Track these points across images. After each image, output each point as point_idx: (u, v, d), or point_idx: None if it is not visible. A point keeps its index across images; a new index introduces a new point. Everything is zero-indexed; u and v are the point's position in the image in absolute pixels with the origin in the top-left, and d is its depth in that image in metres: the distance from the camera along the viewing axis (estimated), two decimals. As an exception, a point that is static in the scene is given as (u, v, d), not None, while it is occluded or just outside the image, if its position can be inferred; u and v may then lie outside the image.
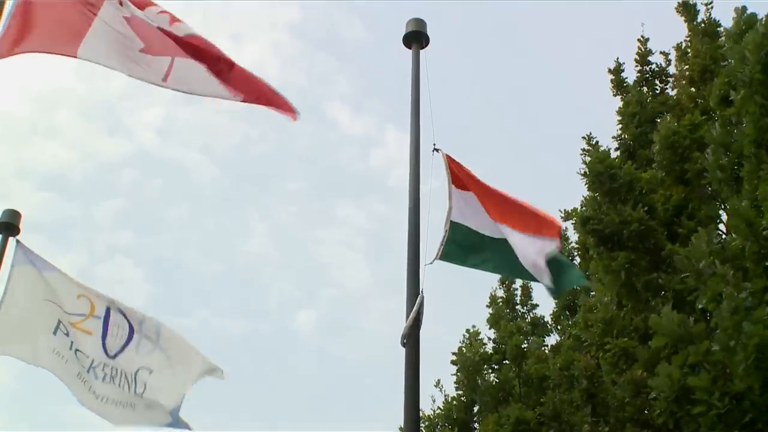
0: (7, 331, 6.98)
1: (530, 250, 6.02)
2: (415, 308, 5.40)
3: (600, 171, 10.54)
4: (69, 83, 41.74)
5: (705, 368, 7.19)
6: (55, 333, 7.05)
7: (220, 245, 40.54)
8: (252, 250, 40.53)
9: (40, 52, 5.55)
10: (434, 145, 6.36)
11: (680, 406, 7.25)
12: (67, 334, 7.07)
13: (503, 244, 6.18)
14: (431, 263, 5.78)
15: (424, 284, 5.57)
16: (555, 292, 6.23)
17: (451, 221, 6.17)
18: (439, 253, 6.00)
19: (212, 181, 41.82)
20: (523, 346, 13.03)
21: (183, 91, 5.75)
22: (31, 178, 39.18)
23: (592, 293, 12.01)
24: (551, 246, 6.07)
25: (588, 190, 10.96)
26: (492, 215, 6.25)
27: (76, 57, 5.53)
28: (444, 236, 6.10)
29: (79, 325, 7.17)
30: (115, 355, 7.10)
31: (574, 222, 12.20)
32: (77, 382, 6.99)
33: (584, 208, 10.87)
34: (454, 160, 6.40)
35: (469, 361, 12.81)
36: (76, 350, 7.05)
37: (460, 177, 6.37)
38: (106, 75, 45.72)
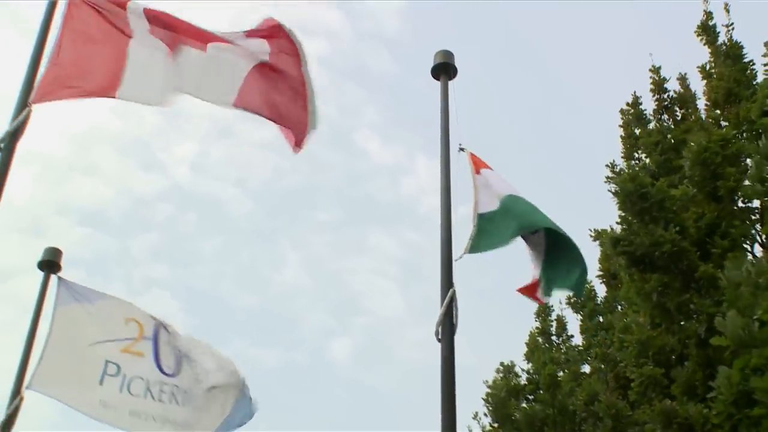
0: (52, 374, 6.98)
1: None
2: (446, 301, 5.45)
3: (631, 190, 10.32)
4: (105, 121, 42.70)
5: (768, 371, 7.00)
6: (101, 382, 7.04)
7: (255, 276, 40.93)
8: (286, 280, 40.81)
9: (78, 98, 5.54)
10: (460, 144, 6.49)
11: (739, 408, 7.10)
12: (117, 373, 7.07)
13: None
14: (460, 258, 5.81)
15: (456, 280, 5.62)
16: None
17: (478, 214, 6.17)
18: (468, 248, 5.96)
19: (246, 214, 42.38)
20: (558, 374, 12.89)
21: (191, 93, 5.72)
22: (71, 215, 40.03)
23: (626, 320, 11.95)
24: None
25: (619, 209, 10.73)
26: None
27: (115, 98, 5.55)
28: (473, 231, 6.06)
29: (131, 348, 7.22)
30: (174, 374, 7.14)
31: (601, 243, 12.13)
32: (132, 419, 6.97)
33: (620, 225, 10.66)
34: (478, 159, 6.51)
35: (504, 393, 12.71)
36: (130, 381, 7.05)
37: (480, 164, 6.48)
38: (140, 112, 46.54)
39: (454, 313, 5.47)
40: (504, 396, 12.75)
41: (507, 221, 6.26)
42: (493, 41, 46.29)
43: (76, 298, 7.26)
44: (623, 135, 12.83)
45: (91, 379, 7.01)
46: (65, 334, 7.09)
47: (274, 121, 5.73)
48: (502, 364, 13.98)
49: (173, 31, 5.75)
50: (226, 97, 5.72)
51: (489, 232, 6.12)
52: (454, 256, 5.76)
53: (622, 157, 12.55)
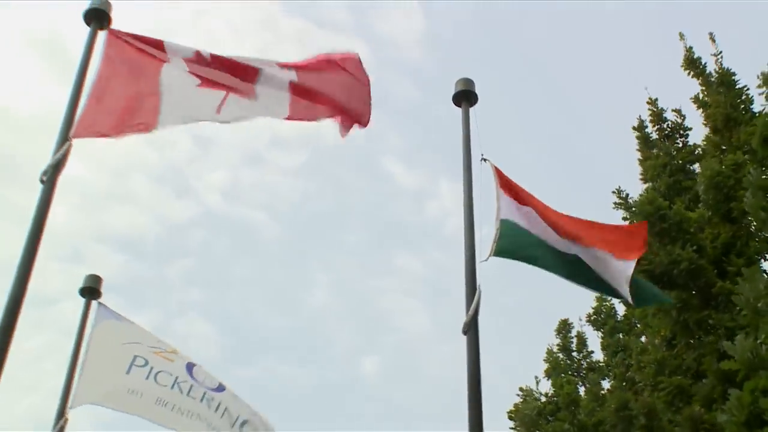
0: (88, 383, 7.06)
1: (611, 268, 6.05)
2: (475, 301, 5.57)
3: (650, 212, 10.42)
4: (140, 150, 43.38)
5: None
6: (128, 372, 7.12)
7: (286, 298, 41.23)
8: (316, 301, 41.04)
9: (117, 135, 5.59)
10: (482, 155, 6.43)
11: (751, 429, 7.11)
12: (144, 364, 7.12)
13: (568, 256, 6.17)
14: (486, 260, 5.86)
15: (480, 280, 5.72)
16: (638, 300, 6.22)
17: (501, 219, 6.15)
18: (493, 250, 5.98)
19: (276, 238, 42.73)
20: (579, 393, 12.94)
21: (237, 120, 5.84)
22: (109, 242, 40.24)
23: (642, 339, 11.99)
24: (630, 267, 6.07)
25: None
26: (559, 232, 6.20)
27: (156, 130, 5.64)
28: (496, 234, 6.06)
29: (162, 353, 7.27)
30: (218, 389, 7.18)
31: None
32: (158, 408, 6.99)
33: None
34: (503, 174, 6.43)
35: (527, 417, 12.78)
36: (157, 373, 7.08)
37: (511, 187, 6.39)
38: (173, 141, 47.11)
39: (478, 310, 5.61)
40: (534, 416, 12.87)
41: (527, 241, 6.23)
42: (511, 67, 46.63)
43: (114, 317, 7.39)
44: (641, 158, 12.88)
45: (119, 371, 7.08)
46: (100, 345, 7.17)
47: (332, 116, 5.93)
48: (521, 389, 14.10)
49: (219, 73, 5.83)
50: (280, 112, 5.86)
51: (512, 237, 6.13)
52: (478, 258, 5.83)
53: (640, 179, 12.62)
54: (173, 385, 7.08)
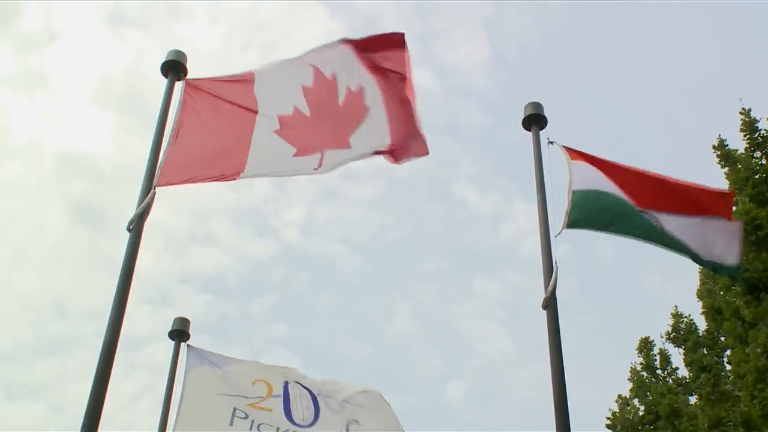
0: (187, 428, 6.94)
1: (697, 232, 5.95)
2: (553, 277, 5.55)
3: (745, 222, 9.97)
4: (219, 193, 44.34)
5: None
6: (231, 423, 6.98)
7: (368, 328, 40.97)
8: (398, 330, 40.69)
9: (200, 182, 5.59)
10: (548, 138, 6.32)
11: None
12: (245, 417, 6.98)
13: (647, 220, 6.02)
14: (559, 234, 5.78)
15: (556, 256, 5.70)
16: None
17: (573, 191, 6.00)
18: (565, 223, 5.83)
19: (355, 269, 42.58)
20: (675, 406, 12.49)
21: (334, 169, 5.73)
22: (193, 283, 40.94)
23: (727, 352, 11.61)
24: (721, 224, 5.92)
25: None
26: (638, 202, 6.04)
27: (239, 178, 5.56)
28: (568, 206, 5.92)
29: (258, 404, 7.12)
30: (312, 423, 7.01)
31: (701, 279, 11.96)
32: None
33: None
34: (574, 151, 6.28)
35: (628, 422, 12.43)
36: (259, 425, 6.95)
37: (580, 153, 6.24)
38: (250, 182, 47.74)
39: (556, 285, 5.59)
40: (636, 422, 12.54)
41: (601, 207, 6.09)
42: (580, 87, 45.97)
43: (204, 363, 7.30)
44: (727, 173, 12.55)
45: (222, 421, 6.96)
46: (196, 392, 7.09)
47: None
48: (619, 396, 13.78)
49: (311, 130, 5.77)
50: (382, 142, 5.73)
51: (584, 207, 5.98)
52: (552, 234, 5.78)
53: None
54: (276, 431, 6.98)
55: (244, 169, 5.55)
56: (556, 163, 6.35)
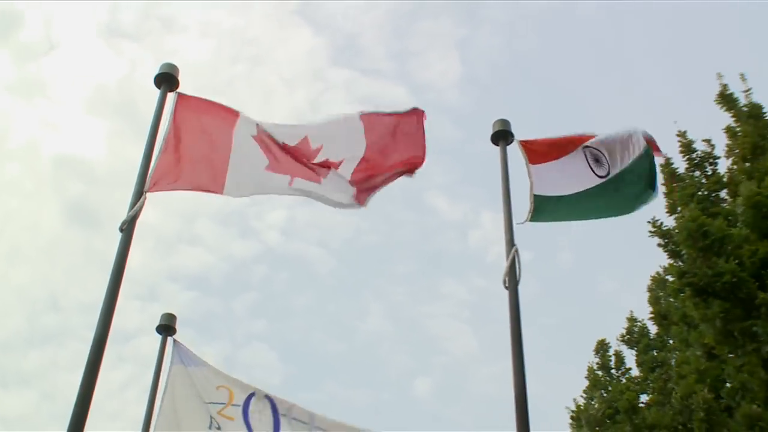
0: (167, 422, 7.16)
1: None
2: (510, 256, 5.86)
3: (693, 229, 10.42)
4: (204, 196, 44.51)
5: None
6: (210, 428, 7.18)
7: (342, 326, 41.63)
8: (370, 328, 41.55)
9: (187, 189, 5.81)
10: (512, 136, 6.69)
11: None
12: (219, 428, 7.18)
13: (588, 192, 6.57)
14: (522, 223, 6.27)
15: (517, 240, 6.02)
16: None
17: (534, 194, 6.40)
18: (528, 217, 6.31)
19: (331, 271, 43.15)
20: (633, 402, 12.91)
21: (304, 196, 5.95)
22: (180, 280, 41.32)
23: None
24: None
25: (683, 247, 10.94)
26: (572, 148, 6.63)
27: (222, 194, 5.82)
28: (530, 206, 6.35)
29: (222, 412, 7.31)
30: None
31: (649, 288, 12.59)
32: None
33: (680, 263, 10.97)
34: (530, 142, 6.67)
35: (592, 417, 12.80)
36: None
37: (538, 153, 6.63)
38: None
39: (517, 266, 5.86)
40: (600, 416, 13.03)
41: (561, 204, 6.55)
42: (544, 105, 46.92)
43: (184, 362, 7.50)
44: (665, 191, 12.99)
45: (201, 425, 7.16)
46: (177, 390, 7.29)
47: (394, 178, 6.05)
48: (585, 390, 14.40)
49: (286, 157, 5.93)
50: (347, 199, 5.95)
51: (544, 207, 6.42)
52: (515, 221, 6.19)
53: (666, 212, 12.67)
54: None
55: (223, 188, 5.79)
56: (522, 175, 6.70)
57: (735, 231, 10.47)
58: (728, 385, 9.78)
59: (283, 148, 5.98)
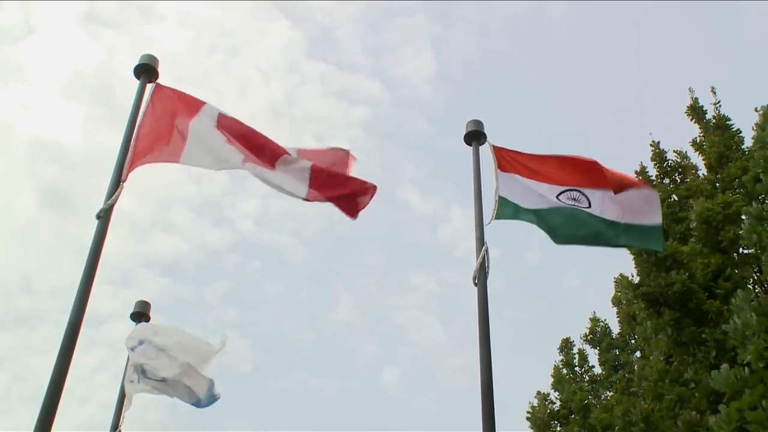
0: None
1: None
2: (481, 254, 5.83)
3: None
4: (179, 183, 44.35)
5: (761, 407, 7.11)
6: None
7: (313, 315, 41.50)
8: (340, 317, 41.32)
9: (154, 162, 5.86)
10: (486, 139, 6.63)
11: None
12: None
13: (559, 211, 6.44)
14: (489, 224, 6.17)
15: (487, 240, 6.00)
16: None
17: (499, 195, 6.39)
18: (493, 216, 6.27)
19: (303, 261, 43.02)
20: (585, 402, 13.06)
21: (258, 178, 5.94)
22: (154, 267, 40.78)
23: (637, 354, 12.14)
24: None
25: (635, 263, 11.23)
26: (544, 180, 6.50)
27: (179, 163, 5.88)
28: (495, 205, 6.33)
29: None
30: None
31: (620, 289, 12.69)
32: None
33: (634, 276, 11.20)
34: (503, 150, 6.61)
35: (540, 420, 12.89)
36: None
37: (508, 162, 6.59)
38: (210, 176, 48.44)
39: (486, 264, 5.82)
40: (547, 419, 13.12)
41: (526, 210, 6.49)
42: (517, 105, 47.14)
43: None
44: None
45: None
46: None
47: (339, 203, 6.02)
48: (539, 392, 14.28)
49: (244, 143, 5.95)
50: (299, 192, 5.96)
51: (509, 208, 6.41)
52: (485, 220, 6.16)
53: None
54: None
55: (180, 158, 5.84)
56: (492, 174, 6.66)
57: (687, 247, 10.75)
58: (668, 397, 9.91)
59: (244, 134, 6.03)
